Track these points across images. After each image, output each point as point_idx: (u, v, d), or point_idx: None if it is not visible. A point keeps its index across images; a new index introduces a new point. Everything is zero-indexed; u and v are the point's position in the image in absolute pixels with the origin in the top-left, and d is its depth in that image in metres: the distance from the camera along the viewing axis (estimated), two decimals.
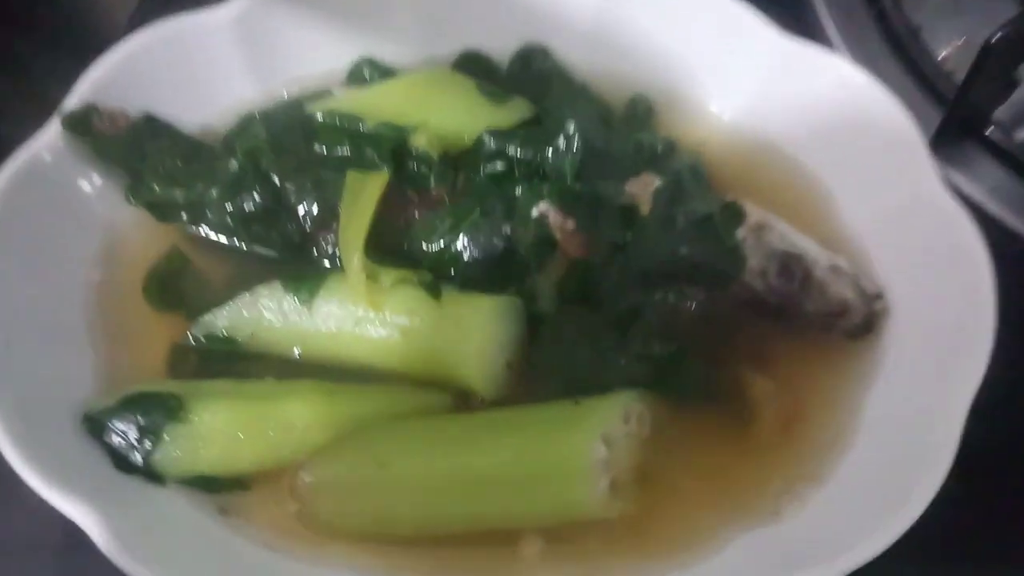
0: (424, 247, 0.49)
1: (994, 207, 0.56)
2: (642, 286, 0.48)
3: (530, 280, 0.49)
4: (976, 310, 0.44)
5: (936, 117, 0.58)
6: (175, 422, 0.45)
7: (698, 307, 0.48)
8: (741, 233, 0.49)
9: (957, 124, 0.57)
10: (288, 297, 0.48)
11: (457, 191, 0.51)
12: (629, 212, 0.49)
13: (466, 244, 0.48)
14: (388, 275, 0.47)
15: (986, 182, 0.57)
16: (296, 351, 0.48)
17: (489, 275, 0.48)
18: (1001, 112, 0.58)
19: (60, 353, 0.47)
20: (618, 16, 0.55)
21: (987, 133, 0.57)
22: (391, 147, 0.51)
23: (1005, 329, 0.45)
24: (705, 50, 0.54)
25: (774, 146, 0.54)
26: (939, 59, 0.62)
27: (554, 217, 0.49)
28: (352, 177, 0.49)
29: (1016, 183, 0.57)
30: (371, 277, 0.47)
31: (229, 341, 0.48)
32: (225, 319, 0.49)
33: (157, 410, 0.45)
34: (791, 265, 0.48)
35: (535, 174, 0.51)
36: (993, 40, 0.51)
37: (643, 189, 0.50)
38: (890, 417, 0.45)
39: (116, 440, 0.45)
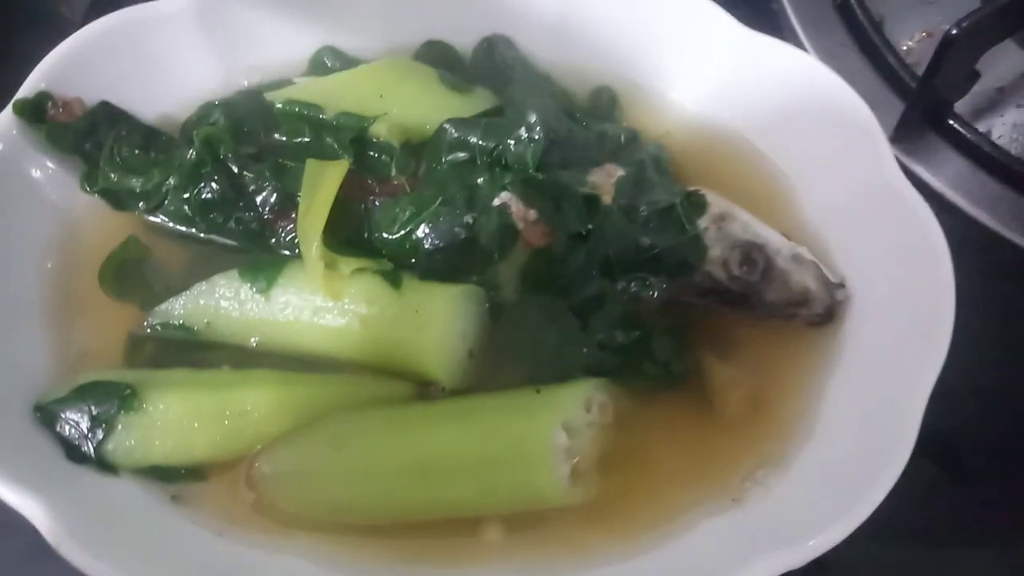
0: (384, 236, 0.49)
1: (955, 196, 0.58)
2: (604, 275, 0.49)
3: (492, 269, 0.49)
4: (936, 298, 0.44)
5: (899, 109, 0.59)
6: (129, 412, 0.45)
7: (660, 296, 0.48)
8: (703, 223, 0.49)
9: (919, 115, 0.59)
10: (245, 286, 0.48)
11: (418, 180, 0.50)
12: (591, 202, 0.49)
13: (427, 233, 0.48)
14: (347, 264, 0.47)
15: (948, 172, 0.58)
16: (253, 340, 0.48)
17: (450, 264, 0.48)
18: (962, 104, 0.60)
19: (12, 341, 0.47)
20: (582, 7, 0.55)
21: (949, 124, 0.58)
22: (352, 136, 0.51)
23: (965, 314, 0.45)
24: (668, 42, 0.55)
25: (737, 136, 0.54)
26: (902, 51, 0.63)
27: (516, 207, 0.49)
28: (311, 165, 0.49)
29: (976, 173, 0.58)
30: (330, 266, 0.47)
31: (186, 329, 0.48)
32: (182, 308, 0.48)
33: (110, 400, 0.45)
34: (753, 254, 0.48)
35: (497, 163, 0.50)
36: (954, 32, 0.53)
37: (606, 179, 0.51)
38: (852, 403, 0.46)
39: (68, 430, 0.44)
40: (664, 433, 0.47)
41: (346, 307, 0.47)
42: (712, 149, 0.55)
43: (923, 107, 0.57)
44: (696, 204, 0.49)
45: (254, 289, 0.47)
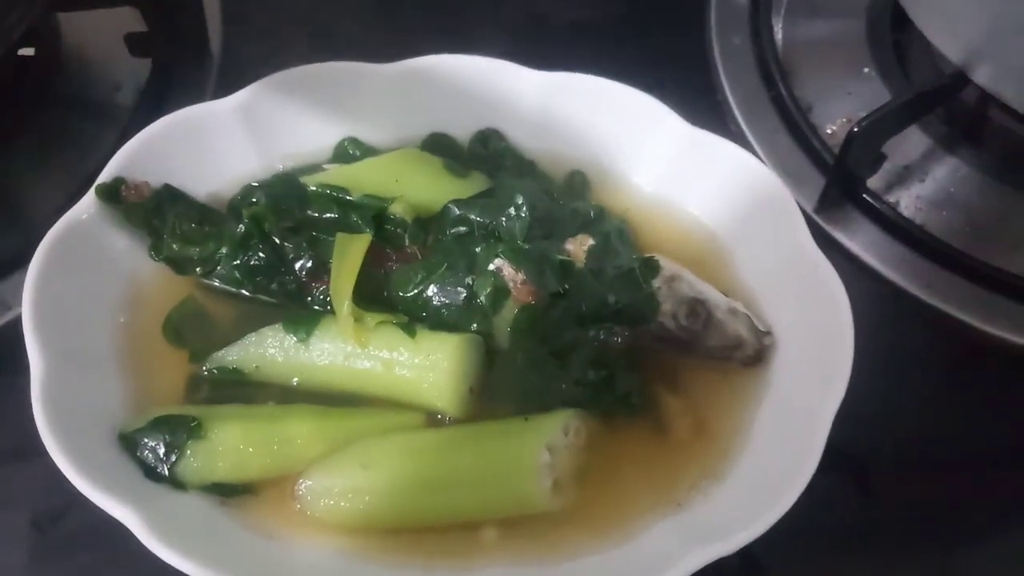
0: (401, 295, 0.59)
1: (869, 258, 0.68)
2: (579, 325, 0.58)
3: (488, 321, 0.58)
4: (839, 341, 0.55)
5: (822, 184, 0.70)
6: (195, 439, 0.54)
7: (623, 342, 0.58)
8: (657, 283, 0.59)
9: (837, 191, 0.69)
10: (288, 336, 0.57)
11: (428, 249, 0.60)
12: (567, 266, 0.59)
13: (435, 292, 0.58)
14: (372, 318, 0.57)
15: (862, 238, 0.69)
16: (295, 381, 0.58)
17: (455, 317, 0.58)
18: (877, 179, 0.70)
19: (96, 383, 0.56)
20: (559, 106, 0.65)
21: (863, 197, 0.69)
22: (373, 213, 0.60)
23: (875, 353, 0.55)
24: (628, 135, 0.65)
25: (685, 212, 0.64)
26: (827, 134, 0.73)
27: (507, 271, 0.58)
28: (341, 238, 0.59)
29: (885, 238, 0.69)
30: (358, 320, 0.57)
31: (237, 372, 0.58)
32: (234, 355, 0.58)
33: (180, 429, 0.54)
34: (697, 308, 0.58)
35: (491, 235, 0.60)
36: (855, 129, 0.64)
37: (579, 247, 0.60)
38: (775, 427, 0.56)
39: (146, 454, 0.54)
40: (626, 452, 0.57)
41: (371, 353, 0.57)
42: (665, 223, 0.65)
43: (839, 184, 0.68)
44: (651, 267, 0.60)
45: (295, 339, 0.57)
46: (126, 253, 0.62)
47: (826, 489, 0.52)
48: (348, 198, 0.62)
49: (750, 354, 0.58)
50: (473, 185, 0.64)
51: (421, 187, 0.63)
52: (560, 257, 0.60)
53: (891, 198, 0.71)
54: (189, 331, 0.60)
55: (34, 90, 0.75)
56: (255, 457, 0.55)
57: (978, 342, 0.66)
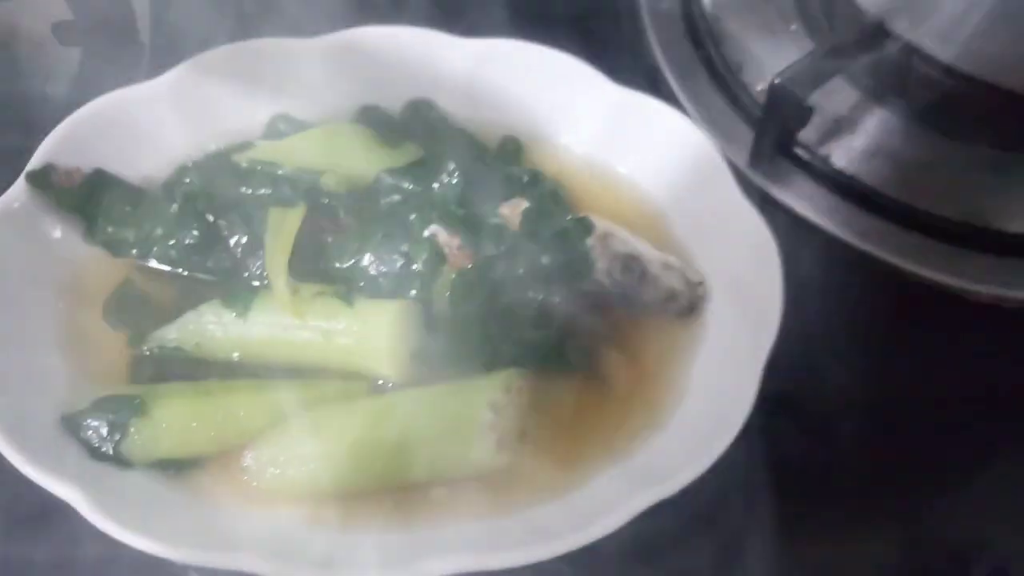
0: (338, 265, 0.60)
1: (803, 209, 0.70)
2: (517, 287, 0.60)
3: (426, 287, 0.60)
4: (769, 289, 0.57)
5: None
6: (138, 417, 0.55)
7: (561, 301, 0.60)
8: (591, 241, 0.61)
9: (767, 146, 0.70)
10: (226, 312, 0.59)
11: (363, 219, 0.62)
12: (502, 230, 0.61)
13: (372, 261, 0.60)
14: (308, 289, 0.59)
15: (795, 190, 0.70)
16: (236, 355, 0.59)
17: (392, 285, 0.60)
18: (809, 132, 0.72)
19: (36, 367, 0.57)
20: (489, 73, 0.67)
21: (794, 152, 0.71)
22: (306, 187, 0.62)
23: (807, 298, 0.58)
24: (559, 100, 0.67)
25: (617, 173, 0.67)
26: (757, 91, 0.75)
27: (443, 236, 0.60)
28: (274, 212, 0.61)
29: (818, 189, 0.71)
30: (294, 292, 0.58)
31: (179, 350, 0.59)
32: (175, 333, 0.59)
33: (123, 409, 0.55)
34: (631, 264, 0.60)
35: (425, 203, 0.61)
36: (776, 82, 0.66)
37: (513, 211, 0.62)
38: (711, 376, 0.58)
39: (90, 435, 0.55)
40: (569, 408, 0.58)
41: (310, 324, 0.58)
42: (598, 184, 0.67)
43: (768, 137, 0.70)
44: (584, 226, 0.62)
45: (234, 314, 0.59)
46: (61, 238, 0.63)
47: (767, 432, 0.55)
48: (280, 172, 0.64)
49: (684, 304, 0.60)
50: (405, 155, 0.65)
51: (353, 159, 0.64)
52: (494, 221, 0.62)
53: (823, 151, 0.73)
54: (129, 313, 0.62)
55: None
56: (199, 432, 0.56)
57: (912, 286, 0.68)
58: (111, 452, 0.56)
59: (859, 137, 0.74)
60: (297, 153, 0.64)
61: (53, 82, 0.76)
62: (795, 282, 0.58)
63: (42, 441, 0.54)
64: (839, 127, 0.75)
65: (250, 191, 0.64)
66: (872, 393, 0.66)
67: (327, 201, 0.63)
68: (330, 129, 0.66)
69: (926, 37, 0.66)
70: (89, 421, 0.56)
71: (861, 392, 0.65)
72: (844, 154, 0.74)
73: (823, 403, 0.65)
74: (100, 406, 0.56)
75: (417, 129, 0.68)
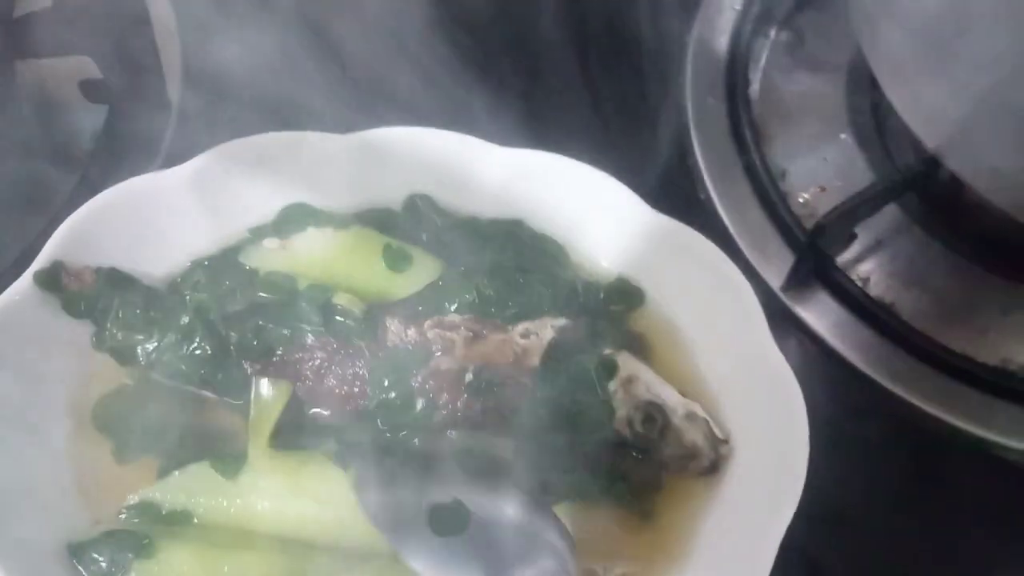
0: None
1: (835, 342, 0.70)
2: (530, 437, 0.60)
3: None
4: (794, 453, 0.56)
5: (790, 260, 0.71)
6: (144, 559, 0.56)
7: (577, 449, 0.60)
8: (613, 385, 0.61)
9: (806, 274, 0.71)
10: (214, 476, 0.58)
11: (378, 344, 0.62)
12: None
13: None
14: (293, 455, 0.59)
15: (830, 319, 0.71)
16: (223, 520, 0.58)
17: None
18: (844, 256, 0.72)
19: (44, 490, 0.58)
20: (521, 184, 0.67)
21: (830, 277, 0.71)
22: (319, 304, 0.62)
23: (834, 445, 0.58)
24: (595, 219, 0.66)
25: (649, 299, 0.67)
26: (799, 202, 0.75)
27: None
28: (259, 385, 0.61)
29: (852, 320, 0.70)
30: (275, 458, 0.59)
31: (169, 515, 0.58)
32: (159, 493, 0.59)
33: (130, 546, 0.56)
34: (653, 414, 0.59)
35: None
36: (822, 221, 0.67)
37: (540, 332, 0.62)
38: (726, 536, 0.58)
39: (92, 568, 0.56)
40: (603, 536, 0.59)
41: (302, 493, 0.58)
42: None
43: (808, 264, 0.70)
44: (609, 368, 0.61)
45: (222, 478, 0.58)
46: (68, 343, 0.62)
47: None
48: (295, 286, 0.64)
49: (706, 465, 0.60)
50: (420, 275, 0.66)
51: (367, 278, 0.65)
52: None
53: (860, 273, 0.73)
54: (116, 422, 0.61)
55: None
56: None
57: (942, 434, 0.68)
58: None
59: (900, 263, 0.74)
60: (313, 266, 0.65)
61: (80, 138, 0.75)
62: (818, 420, 0.58)
63: (49, 565, 0.56)
64: (879, 248, 0.74)
65: (264, 297, 0.65)
66: (894, 553, 0.66)
67: (342, 319, 0.63)
68: (347, 236, 0.67)
69: (979, 178, 0.65)
70: (94, 553, 0.57)
71: (881, 551, 0.66)
72: (882, 280, 0.73)
73: (838, 560, 0.66)
74: (107, 539, 0.57)
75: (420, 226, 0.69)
